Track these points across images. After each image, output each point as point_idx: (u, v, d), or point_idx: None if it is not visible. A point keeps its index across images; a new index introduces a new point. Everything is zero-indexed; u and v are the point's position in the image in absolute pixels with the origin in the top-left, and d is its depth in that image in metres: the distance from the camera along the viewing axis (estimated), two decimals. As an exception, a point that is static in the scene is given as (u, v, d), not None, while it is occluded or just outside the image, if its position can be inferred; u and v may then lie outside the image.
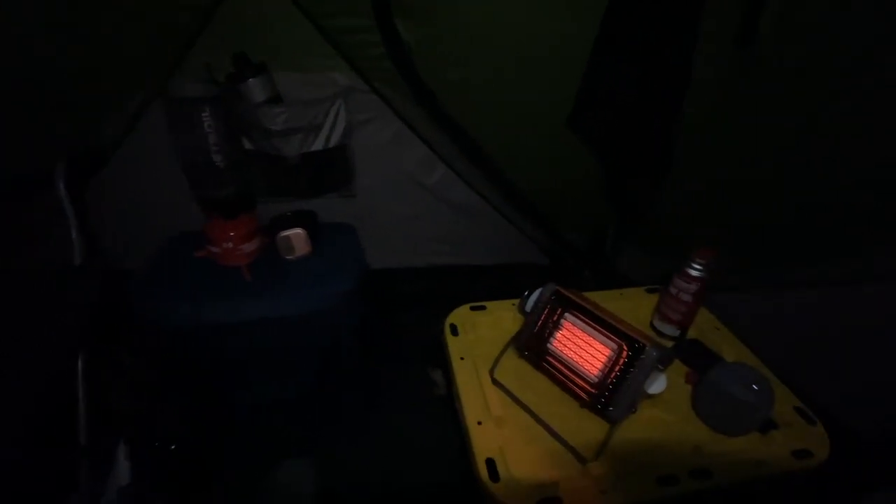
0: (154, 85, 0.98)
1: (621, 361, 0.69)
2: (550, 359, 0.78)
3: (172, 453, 0.88)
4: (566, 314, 0.77)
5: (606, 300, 0.99)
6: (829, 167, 0.81)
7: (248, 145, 1.10)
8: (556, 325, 0.78)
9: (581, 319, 0.75)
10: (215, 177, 0.87)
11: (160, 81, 0.97)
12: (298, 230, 1.01)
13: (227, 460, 1.01)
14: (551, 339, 0.78)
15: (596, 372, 0.72)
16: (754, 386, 0.68)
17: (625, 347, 0.69)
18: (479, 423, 0.72)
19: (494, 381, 0.80)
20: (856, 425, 0.91)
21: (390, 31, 0.88)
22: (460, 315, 0.95)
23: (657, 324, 0.93)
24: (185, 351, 0.91)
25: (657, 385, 0.71)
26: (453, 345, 0.87)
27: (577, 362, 0.75)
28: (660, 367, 0.69)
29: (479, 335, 0.90)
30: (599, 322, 0.73)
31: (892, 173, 0.74)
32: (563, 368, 0.76)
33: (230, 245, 0.94)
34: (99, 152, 1.02)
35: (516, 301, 0.94)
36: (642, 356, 0.67)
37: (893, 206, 0.76)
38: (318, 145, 1.14)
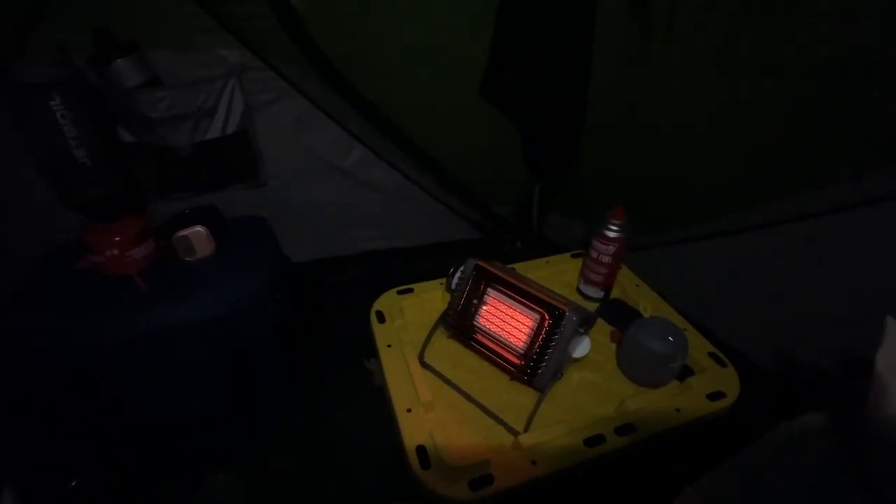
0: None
1: (544, 330, 0.69)
2: (478, 335, 0.76)
3: (73, 490, 0.78)
4: (489, 289, 0.76)
5: (533, 269, 1.00)
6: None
7: (128, 137, 0.97)
8: (481, 301, 0.76)
9: (503, 292, 0.74)
10: (81, 176, 0.75)
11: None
12: (198, 228, 0.90)
13: (144, 484, 0.92)
14: (477, 315, 0.77)
15: (521, 343, 0.71)
16: (669, 337, 0.70)
17: (546, 315, 0.68)
18: (409, 410, 0.69)
19: (424, 365, 0.78)
20: (763, 361, 0.99)
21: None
22: (387, 301, 0.91)
23: (582, 287, 0.94)
24: (77, 376, 0.80)
25: (581, 348, 0.72)
26: (380, 332, 0.84)
27: (503, 336, 0.73)
28: (581, 330, 0.69)
29: (406, 320, 0.87)
30: (521, 293, 0.72)
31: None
32: (490, 343, 0.75)
33: (116, 252, 0.83)
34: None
35: (444, 280, 0.92)
36: (563, 322, 0.67)
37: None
38: (213, 133, 1.02)
